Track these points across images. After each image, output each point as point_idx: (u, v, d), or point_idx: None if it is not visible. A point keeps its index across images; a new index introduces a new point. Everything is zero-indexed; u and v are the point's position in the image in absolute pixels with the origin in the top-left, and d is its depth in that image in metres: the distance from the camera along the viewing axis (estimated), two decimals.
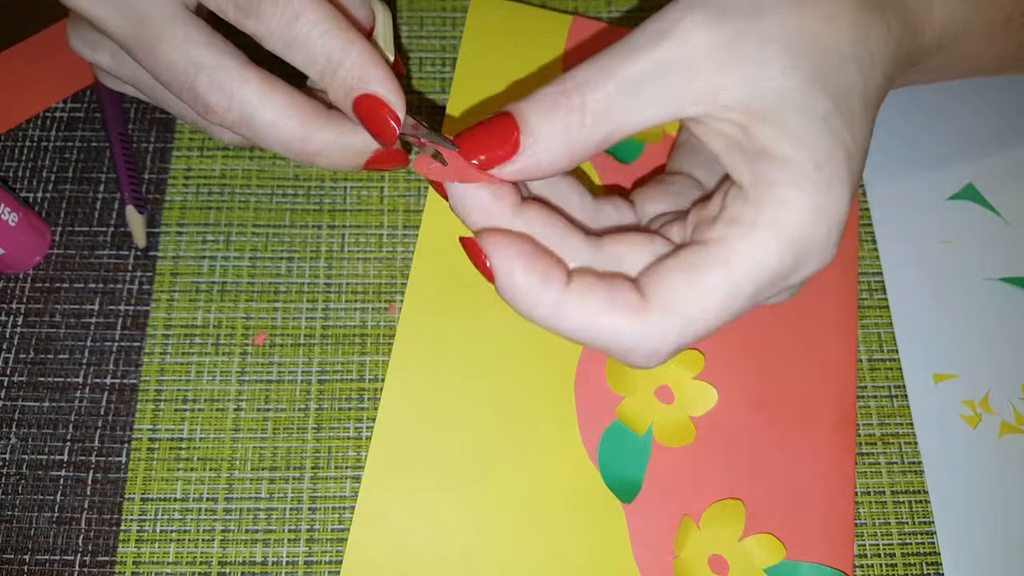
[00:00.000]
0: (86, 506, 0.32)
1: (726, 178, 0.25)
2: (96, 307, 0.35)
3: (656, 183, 0.30)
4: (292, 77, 0.28)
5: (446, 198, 0.25)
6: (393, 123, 0.26)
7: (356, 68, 0.26)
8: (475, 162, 0.23)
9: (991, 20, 0.28)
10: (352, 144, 0.28)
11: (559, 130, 0.23)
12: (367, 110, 0.26)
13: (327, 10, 0.26)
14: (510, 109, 0.23)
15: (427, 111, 0.39)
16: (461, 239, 0.25)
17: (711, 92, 0.22)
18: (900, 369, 0.35)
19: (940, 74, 0.31)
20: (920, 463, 0.34)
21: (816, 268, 0.23)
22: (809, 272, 0.23)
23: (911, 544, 0.33)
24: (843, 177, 0.22)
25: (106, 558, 0.31)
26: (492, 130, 0.23)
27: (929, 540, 0.33)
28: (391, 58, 0.31)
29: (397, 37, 0.38)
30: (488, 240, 0.23)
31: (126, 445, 0.33)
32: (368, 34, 0.30)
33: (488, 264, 0.23)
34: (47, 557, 0.31)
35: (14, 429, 0.33)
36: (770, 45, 0.22)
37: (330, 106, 0.28)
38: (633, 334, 0.23)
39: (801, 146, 0.22)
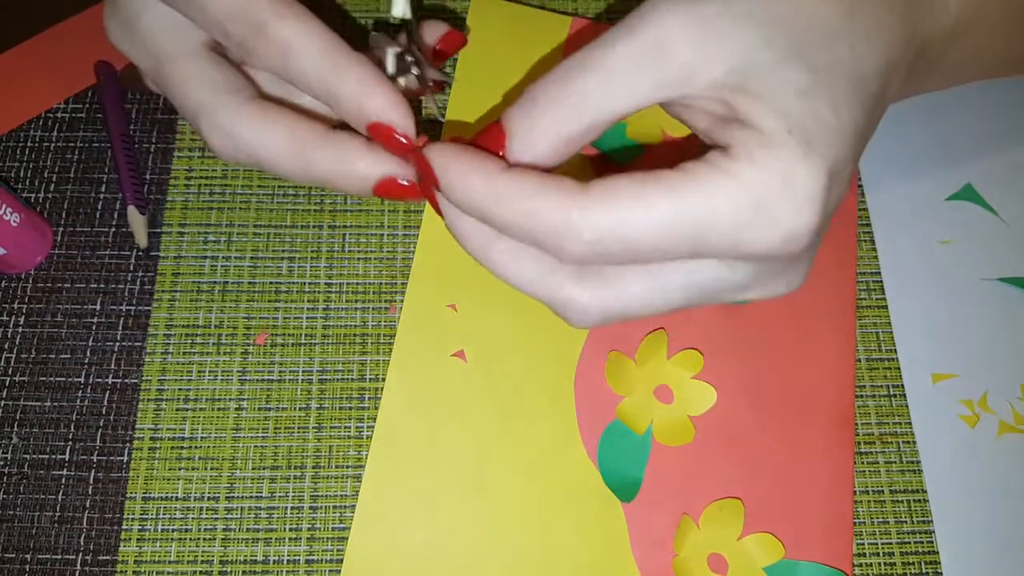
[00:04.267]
0: (88, 505, 0.32)
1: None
2: (98, 307, 0.35)
3: None
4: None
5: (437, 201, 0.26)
6: (402, 140, 0.26)
7: (354, 100, 0.26)
8: None
9: (1009, 9, 0.28)
10: (354, 170, 0.27)
11: (541, 126, 0.23)
12: (378, 135, 0.26)
13: (318, 40, 0.26)
14: (501, 116, 0.24)
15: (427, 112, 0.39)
16: (415, 155, 0.25)
17: (688, 73, 0.22)
18: (899, 369, 0.35)
19: (957, 74, 0.30)
20: (918, 462, 0.34)
21: (773, 245, 0.22)
22: (763, 244, 0.22)
23: (910, 543, 0.33)
24: (818, 150, 0.22)
25: (108, 557, 0.31)
26: (483, 139, 0.24)
27: (928, 539, 0.33)
28: (408, 15, 0.29)
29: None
30: (431, 147, 0.24)
31: (128, 444, 0.33)
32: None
33: (433, 172, 0.24)
34: (49, 556, 0.31)
35: (16, 429, 0.33)
36: (744, 25, 0.22)
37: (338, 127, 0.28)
38: (561, 212, 0.22)
39: (777, 117, 0.22)
